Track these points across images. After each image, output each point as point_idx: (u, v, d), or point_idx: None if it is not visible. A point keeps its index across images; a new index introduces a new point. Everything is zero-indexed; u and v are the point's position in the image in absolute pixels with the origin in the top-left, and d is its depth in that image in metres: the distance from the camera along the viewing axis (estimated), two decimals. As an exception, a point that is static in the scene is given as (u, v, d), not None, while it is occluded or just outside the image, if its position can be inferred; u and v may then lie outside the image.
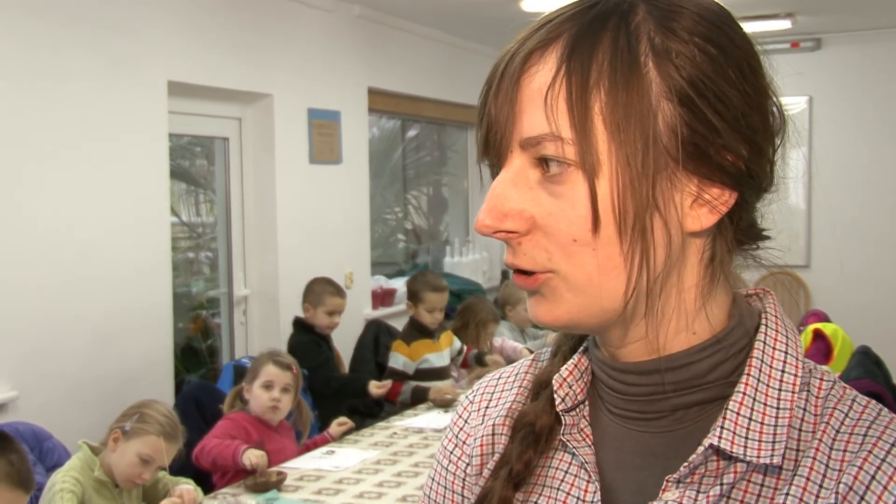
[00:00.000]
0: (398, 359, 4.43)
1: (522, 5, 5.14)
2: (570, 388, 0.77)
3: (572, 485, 0.76)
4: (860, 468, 0.65)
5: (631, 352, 0.73)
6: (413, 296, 4.55)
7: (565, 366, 0.78)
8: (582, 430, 0.77)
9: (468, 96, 6.45)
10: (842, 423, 0.69)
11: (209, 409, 3.60)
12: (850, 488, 0.65)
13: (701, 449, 0.68)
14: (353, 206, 5.50)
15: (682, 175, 0.67)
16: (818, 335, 4.25)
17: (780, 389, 0.70)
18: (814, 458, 0.67)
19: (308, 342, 4.35)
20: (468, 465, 0.84)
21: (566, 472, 0.77)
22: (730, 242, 0.72)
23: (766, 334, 0.72)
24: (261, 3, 4.70)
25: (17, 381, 3.43)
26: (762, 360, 0.71)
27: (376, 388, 4.17)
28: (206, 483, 3.16)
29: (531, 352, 4.70)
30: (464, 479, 0.84)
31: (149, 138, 4.03)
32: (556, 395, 0.77)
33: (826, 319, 4.98)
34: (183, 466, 3.07)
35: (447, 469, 0.86)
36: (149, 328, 4.02)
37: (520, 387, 0.84)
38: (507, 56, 0.70)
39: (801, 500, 0.66)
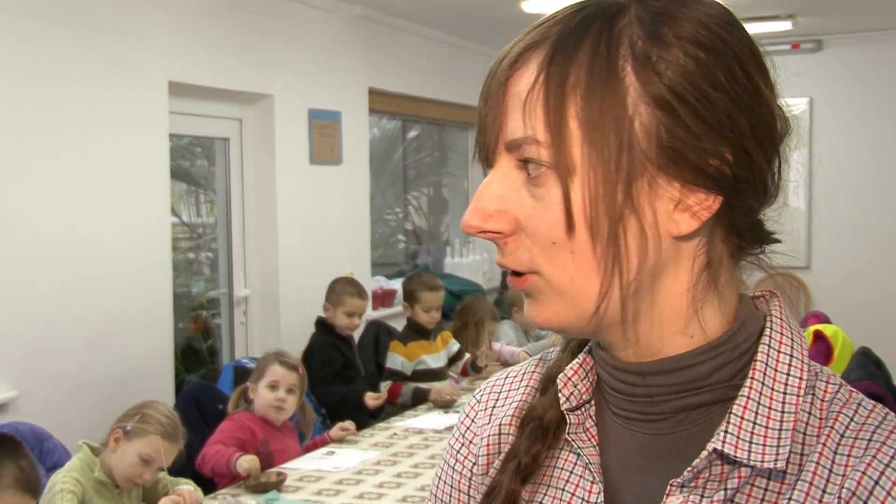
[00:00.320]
0: (396, 359, 4.43)
1: (523, 6, 5.14)
2: (575, 387, 0.77)
3: (577, 485, 0.76)
4: (864, 473, 0.65)
5: (631, 353, 0.73)
6: (409, 296, 4.55)
7: (570, 365, 0.78)
8: (587, 430, 0.77)
9: (468, 97, 6.45)
10: (846, 427, 0.68)
11: (209, 410, 3.60)
12: (853, 493, 0.64)
13: (705, 453, 0.68)
14: (354, 207, 5.50)
15: (663, 179, 0.67)
16: (819, 336, 4.24)
17: (784, 393, 0.69)
18: (817, 463, 0.67)
19: (327, 346, 4.31)
20: (475, 464, 0.84)
21: (571, 472, 0.77)
22: (730, 246, 0.72)
23: (770, 337, 0.71)
24: (261, 3, 4.70)
25: (18, 381, 3.43)
26: (767, 364, 0.70)
27: (372, 399, 4.15)
28: (209, 485, 3.16)
29: (529, 355, 4.70)
30: (470, 479, 0.84)
31: (149, 139, 4.02)
32: (560, 394, 0.77)
33: (826, 321, 4.97)
34: (183, 468, 3.07)
35: (454, 468, 0.86)
36: (149, 328, 4.01)
37: (527, 386, 0.85)
38: (500, 58, 0.71)
39: (803, 504, 0.66)
